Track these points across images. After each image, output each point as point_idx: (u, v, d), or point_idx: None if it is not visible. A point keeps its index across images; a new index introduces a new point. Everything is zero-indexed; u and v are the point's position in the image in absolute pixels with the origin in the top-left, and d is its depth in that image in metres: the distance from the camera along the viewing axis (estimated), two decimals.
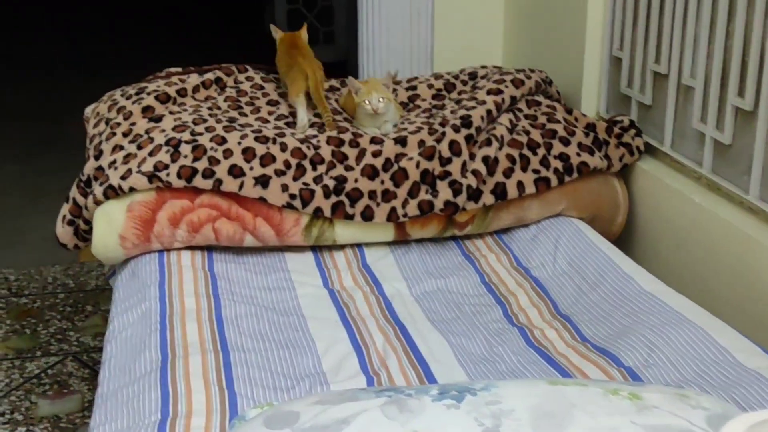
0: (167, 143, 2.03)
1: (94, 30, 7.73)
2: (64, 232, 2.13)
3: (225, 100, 2.29)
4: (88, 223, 2.07)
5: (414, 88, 2.41)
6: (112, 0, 8.47)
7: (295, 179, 2.02)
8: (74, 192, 2.11)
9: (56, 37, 7.40)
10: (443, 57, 3.00)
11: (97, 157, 2.09)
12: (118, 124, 2.16)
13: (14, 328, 2.97)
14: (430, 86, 2.41)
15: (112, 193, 1.98)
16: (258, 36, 7.35)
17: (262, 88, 2.38)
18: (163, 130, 2.08)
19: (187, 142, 2.03)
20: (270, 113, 2.26)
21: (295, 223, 2.01)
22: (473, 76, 2.41)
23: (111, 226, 1.97)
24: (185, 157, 2.00)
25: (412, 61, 3.06)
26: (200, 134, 2.06)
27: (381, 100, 2.12)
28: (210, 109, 2.22)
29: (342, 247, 2.07)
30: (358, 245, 2.08)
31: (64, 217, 2.12)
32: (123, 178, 1.98)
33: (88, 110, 2.42)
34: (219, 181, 1.97)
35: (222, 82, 2.37)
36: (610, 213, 2.16)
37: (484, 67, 2.54)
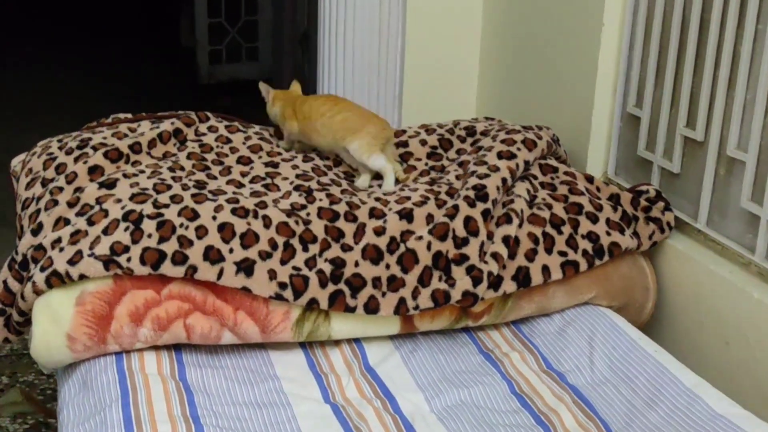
0: (126, 218, 1.66)
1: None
2: None
3: (188, 158, 1.92)
4: (25, 313, 1.67)
5: (405, 144, 2.09)
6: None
7: (283, 263, 1.67)
8: (5, 274, 1.70)
9: None
10: (412, 100, 2.72)
11: (35, 232, 1.70)
12: (60, 189, 1.77)
13: None
14: (423, 142, 2.10)
15: (57, 281, 1.59)
16: (174, 50, 6.92)
17: (228, 141, 2.02)
18: (119, 200, 1.71)
19: (150, 217, 1.66)
20: (243, 174, 1.91)
21: (283, 317, 1.66)
22: (471, 131, 2.11)
23: (56, 322, 1.59)
24: (149, 236, 1.63)
25: (378, 101, 2.75)
26: (165, 206, 1.69)
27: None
28: (172, 170, 1.85)
29: (337, 342, 1.74)
30: (356, 340, 1.74)
31: None
32: (71, 262, 1.60)
33: (15, 162, 2.01)
34: (193, 268, 1.61)
35: (182, 135, 2.00)
36: (641, 300, 1.89)
37: (475, 119, 2.25)
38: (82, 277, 1.59)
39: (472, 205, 1.77)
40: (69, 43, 7.04)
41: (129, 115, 2.08)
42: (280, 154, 2.01)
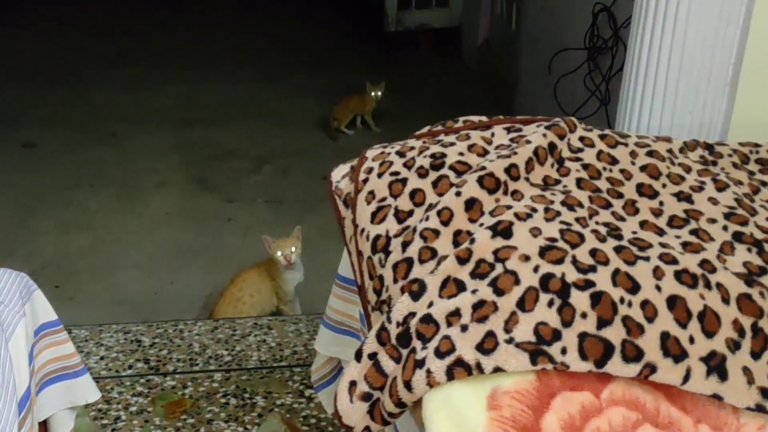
0: (545, 286, 1.22)
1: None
2: (352, 409, 1.31)
3: (579, 186, 1.47)
4: (404, 405, 1.26)
5: None
6: None
7: (754, 356, 1.21)
8: (373, 346, 1.29)
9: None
10: (749, 89, 2.20)
11: (415, 296, 1.27)
12: (435, 232, 1.34)
13: None
14: None
15: (463, 372, 1.17)
16: (373, 2, 6.51)
17: (614, 161, 1.55)
18: (527, 257, 1.26)
19: (578, 286, 1.21)
20: (655, 213, 1.44)
21: None
22: None
23: (461, 429, 1.17)
24: (583, 316, 1.19)
25: (708, 84, 2.24)
26: (591, 268, 1.24)
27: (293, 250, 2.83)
28: (569, 206, 1.40)
29: None
30: None
31: (353, 384, 1.31)
32: (482, 349, 1.17)
33: (337, 176, 1.60)
34: (651, 368, 1.17)
35: (556, 151, 1.54)
36: None
37: None
38: (497, 369, 1.17)
39: None
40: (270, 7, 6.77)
41: (483, 118, 1.63)
42: (682, 179, 1.54)
